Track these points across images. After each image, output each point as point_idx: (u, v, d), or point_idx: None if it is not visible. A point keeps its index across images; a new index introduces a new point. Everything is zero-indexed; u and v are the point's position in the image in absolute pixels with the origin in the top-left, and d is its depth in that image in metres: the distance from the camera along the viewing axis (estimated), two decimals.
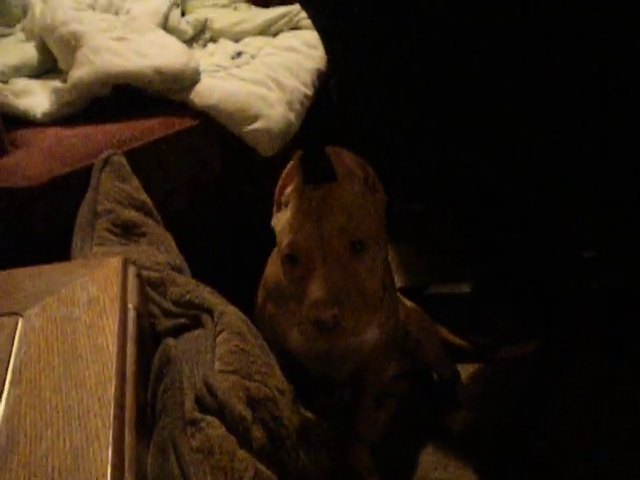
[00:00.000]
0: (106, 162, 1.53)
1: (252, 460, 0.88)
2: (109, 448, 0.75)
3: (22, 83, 2.04)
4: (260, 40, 2.41)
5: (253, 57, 2.25)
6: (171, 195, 1.84)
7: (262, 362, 1.06)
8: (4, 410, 0.81)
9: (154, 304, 1.18)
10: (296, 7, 2.46)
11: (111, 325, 0.93)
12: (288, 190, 1.35)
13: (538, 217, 1.57)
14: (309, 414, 1.40)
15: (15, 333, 0.92)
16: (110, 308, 0.96)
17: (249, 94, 1.97)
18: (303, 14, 2.45)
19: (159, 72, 1.88)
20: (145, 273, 1.21)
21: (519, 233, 1.74)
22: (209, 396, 0.91)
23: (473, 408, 1.85)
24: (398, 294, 1.76)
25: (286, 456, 1.00)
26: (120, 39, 1.97)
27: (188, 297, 1.17)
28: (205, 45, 2.50)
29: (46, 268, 1.06)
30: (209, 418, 0.89)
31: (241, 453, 0.87)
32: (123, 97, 1.90)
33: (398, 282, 2.20)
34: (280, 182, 1.37)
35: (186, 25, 2.45)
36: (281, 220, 1.33)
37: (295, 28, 2.50)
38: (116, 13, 2.35)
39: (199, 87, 1.96)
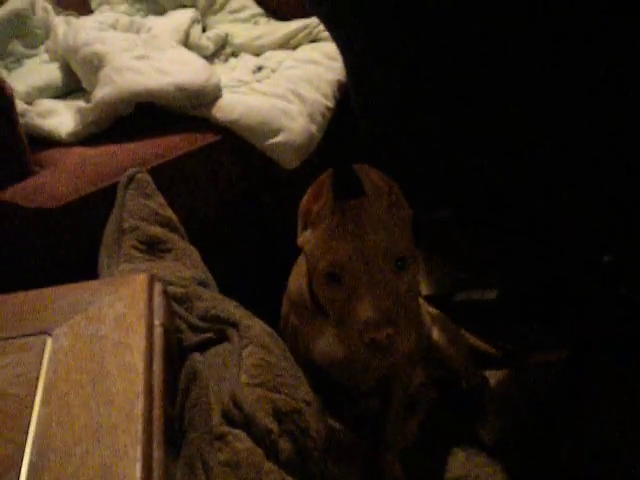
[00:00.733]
0: (130, 180, 1.54)
1: (279, 472, 0.88)
2: (137, 464, 0.76)
3: (46, 104, 2.06)
4: (280, 54, 2.42)
5: (274, 71, 2.26)
6: (196, 210, 1.85)
7: (288, 374, 1.07)
8: (35, 428, 0.82)
9: (181, 319, 1.19)
10: (315, 20, 2.46)
11: (138, 342, 0.94)
12: (315, 208, 1.35)
13: (548, 221, 1.57)
14: (337, 424, 1.41)
15: (44, 352, 0.94)
16: (137, 325, 0.97)
17: (270, 108, 1.98)
18: (322, 26, 2.45)
19: (181, 89, 1.89)
20: (171, 289, 1.22)
21: (531, 237, 1.74)
22: (235, 410, 0.92)
23: (501, 415, 1.84)
24: (423, 302, 1.77)
25: (314, 467, 1.00)
26: (141, 57, 1.98)
27: (214, 312, 1.18)
28: (226, 60, 2.51)
29: (73, 287, 1.08)
30: (236, 431, 0.90)
31: (268, 465, 0.88)
32: (146, 115, 1.91)
33: (424, 290, 2.21)
34: (305, 200, 1.36)
35: (207, 41, 2.47)
36: (312, 239, 1.33)
37: (315, 40, 2.50)
38: (137, 32, 2.37)
39: (221, 102, 1.97)
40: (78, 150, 1.83)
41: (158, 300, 1.06)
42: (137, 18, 2.54)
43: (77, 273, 1.22)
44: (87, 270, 1.42)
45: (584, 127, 1.31)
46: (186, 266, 1.41)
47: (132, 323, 0.97)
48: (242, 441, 0.88)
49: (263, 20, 2.69)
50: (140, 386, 0.86)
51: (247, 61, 2.41)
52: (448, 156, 1.57)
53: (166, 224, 1.50)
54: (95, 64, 1.96)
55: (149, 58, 2.00)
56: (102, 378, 0.88)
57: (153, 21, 2.48)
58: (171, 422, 0.95)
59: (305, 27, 2.50)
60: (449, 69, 1.39)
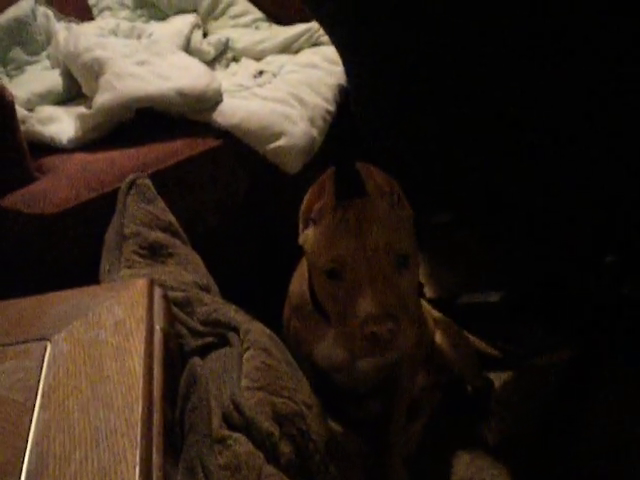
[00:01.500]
0: (132, 185, 1.54)
1: (279, 475, 0.88)
2: (136, 468, 0.76)
3: (47, 110, 2.06)
4: (281, 58, 2.42)
5: (275, 75, 2.26)
6: (197, 215, 1.85)
7: (289, 377, 1.07)
8: (34, 433, 0.82)
9: (182, 324, 1.19)
10: (316, 24, 2.46)
11: (137, 346, 0.94)
12: (317, 206, 1.35)
13: (549, 221, 1.57)
14: (338, 427, 1.41)
15: (44, 358, 0.94)
16: (136, 330, 0.97)
17: (271, 112, 1.98)
18: (323, 30, 2.45)
19: (181, 94, 1.89)
20: (172, 294, 1.23)
21: (533, 238, 1.73)
22: (236, 413, 0.92)
23: (506, 417, 1.84)
24: (426, 304, 1.77)
25: (315, 470, 1.00)
26: (142, 63, 1.99)
27: (215, 316, 1.18)
28: (227, 65, 2.51)
29: (73, 292, 1.08)
30: (236, 435, 0.90)
31: (268, 468, 0.88)
32: (147, 120, 1.91)
33: (428, 293, 2.21)
34: (307, 199, 1.36)
35: (208, 46, 2.47)
36: (313, 236, 1.33)
37: (316, 44, 2.50)
38: (138, 37, 2.37)
39: (222, 107, 1.97)
40: (79, 156, 1.83)
41: (158, 305, 1.06)
42: (138, 24, 2.55)
43: (78, 279, 1.21)
44: (89, 276, 1.42)
45: (585, 126, 1.31)
46: (187, 271, 1.41)
47: (132, 328, 0.97)
48: (242, 444, 0.88)
49: (264, 25, 2.69)
50: (139, 390, 0.86)
51: (248, 66, 2.41)
52: (448, 157, 1.56)
53: (167, 229, 1.50)
54: (96, 70, 1.97)
55: (150, 64, 2.00)
56: (101, 383, 0.88)
57: (154, 27, 2.49)
58: (171, 426, 0.95)
59: (306, 31, 2.51)
60: (449, 69, 1.39)
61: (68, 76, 2.20)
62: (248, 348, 1.06)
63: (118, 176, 1.67)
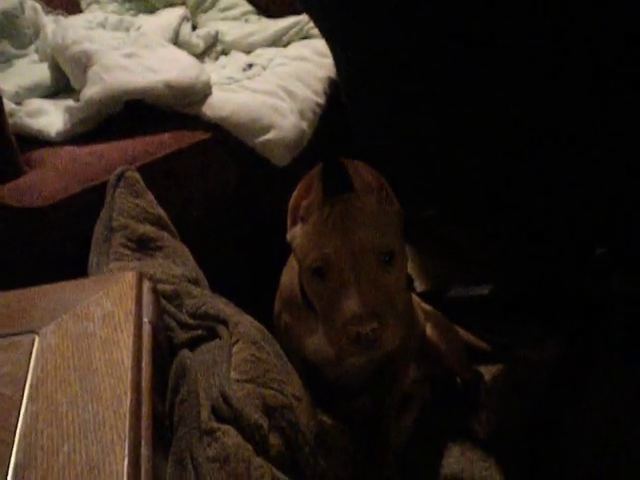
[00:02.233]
0: (120, 178, 1.54)
1: (269, 467, 0.88)
2: (125, 460, 0.76)
3: (36, 103, 2.05)
4: (271, 51, 2.41)
5: (264, 68, 2.26)
6: (187, 207, 1.85)
7: (278, 370, 1.06)
8: (22, 426, 0.82)
9: (170, 317, 1.19)
10: (306, 17, 2.46)
11: (126, 339, 0.93)
12: (305, 204, 1.35)
13: (540, 215, 1.57)
14: (328, 420, 1.41)
15: (32, 351, 0.93)
16: (125, 322, 0.96)
17: (261, 105, 1.97)
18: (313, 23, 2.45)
19: (170, 87, 1.89)
20: (160, 286, 1.22)
21: (524, 232, 1.73)
22: (225, 405, 0.92)
23: (496, 410, 1.84)
24: (416, 298, 1.77)
25: (304, 462, 1.00)
26: (130, 55, 1.98)
27: (204, 309, 1.18)
28: (217, 58, 2.51)
29: (61, 285, 1.07)
30: (225, 427, 0.90)
31: (257, 460, 0.88)
32: (135, 113, 1.91)
33: (419, 286, 2.21)
34: (295, 196, 1.36)
35: (197, 39, 2.46)
36: (301, 234, 1.33)
37: (306, 37, 2.50)
38: (127, 30, 2.36)
39: (211, 100, 1.97)
40: (68, 149, 1.82)
41: (147, 298, 1.05)
42: (127, 17, 2.53)
43: (67, 272, 1.21)
44: (77, 269, 1.41)
45: (578, 123, 1.31)
46: (176, 264, 1.41)
47: (120, 321, 0.97)
48: (231, 436, 0.88)
49: (254, 18, 2.69)
50: (128, 383, 0.86)
51: (238, 59, 2.40)
52: (440, 154, 1.57)
53: (156, 222, 1.50)
54: (84, 63, 1.96)
55: (138, 56, 1.99)
56: (89, 375, 0.88)
57: (143, 20, 2.48)
58: (161, 419, 0.95)
59: (296, 24, 2.50)
60: (442, 66, 1.39)
61: (56, 69, 2.19)
62: (237, 341, 1.06)
63: (106, 169, 1.66)
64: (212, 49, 2.52)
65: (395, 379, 1.64)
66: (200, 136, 1.88)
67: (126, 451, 0.77)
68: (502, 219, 1.71)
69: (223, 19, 2.65)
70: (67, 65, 2.07)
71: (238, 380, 0.98)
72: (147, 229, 1.46)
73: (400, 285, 1.29)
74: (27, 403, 0.85)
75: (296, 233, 1.35)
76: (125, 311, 0.99)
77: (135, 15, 2.69)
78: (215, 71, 2.25)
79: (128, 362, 0.89)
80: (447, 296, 2.27)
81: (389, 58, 1.48)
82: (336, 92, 2.15)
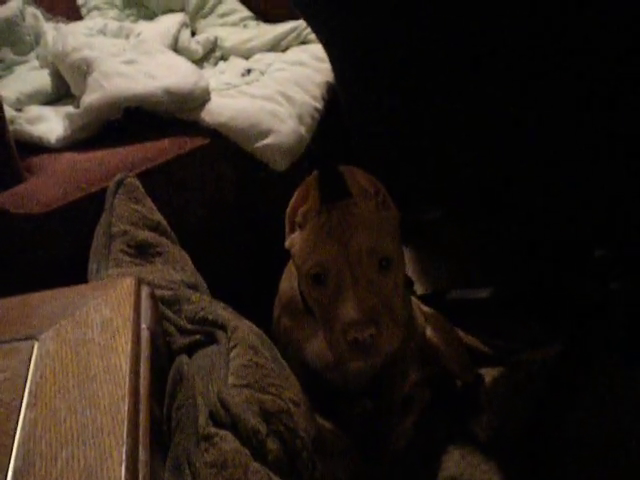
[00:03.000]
0: (119, 185, 1.54)
1: (266, 472, 0.88)
2: (122, 465, 0.76)
3: (36, 110, 2.06)
4: (269, 56, 2.42)
5: (262, 73, 2.26)
6: (186, 213, 1.85)
7: (276, 375, 1.07)
8: (20, 433, 0.82)
9: (169, 322, 1.19)
10: (304, 22, 2.47)
11: (124, 345, 0.94)
12: (302, 210, 1.35)
13: (540, 216, 1.57)
14: (328, 424, 1.41)
15: (31, 357, 0.94)
16: (123, 329, 0.97)
17: (259, 110, 1.98)
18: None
19: (169, 93, 1.89)
20: (159, 292, 1.23)
21: (524, 234, 1.74)
22: (223, 410, 0.92)
23: (496, 412, 1.84)
24: (416, 300, 1.77)
25: (303, 467, 1.00)
26: (130, 62, 1.99)
27: (202, 314, 1.18)
28: (216, 64, 2.52)
29: (60, 292, 1.08)
30: (222, 432, 0.90)
31: (255, 465, 0.88)
32: (135, 120, 1.91)
33: (419, 289, 2.21)
34: (292, 203, 1.37)
35: (196, 45, 2.47)
36: (299, 241, 1.34)
37: (304, 42, 2.50)
38: (127, 37, 2.37)
39: (210, 106, 1.97)
40: (67, 156, 1.83)
41: (145, 303, 1.06)
42: (126, 23, 2.55)
43: (67, 278, 1.21)
44: (77, 275, 1.42)
45: (577, 123, 1.31)
46: (175, 270, 1.41)
47: (118, 326, 0.97)
48: (228, 442, 0.88)
49: (252, 23, 2.69)
50: (125, 389, 0.86)
51: (236, 64, 2.41)
52: (439, 154, 1.57)
53: (155, 228, 1.50)
54: (83, 69, 1.97)
55: (137, 63, 2.00)
56: (88, 381, 0.88)
57: (142, 26, 2.49)
58: (159, 424, 0.96)
59: (294, 29, 2.51)
60: (441, 65, 1.39)
61: (57, 76, 2.20)
62: (235, 346, 1.06)
63: (106, 175, 1.67)
64: (211, 55, 2.53)
65: (395, 382, 1.64)
66: (199, 142, 1.89)
67: (124, 456, 0.77)
68: (501, 220, 1.71)
69: (222, 25, 2.66)
70: (67, 72, 2.08)
71: (236, 385, 0.98)
72: (146, 235, 1.46)
73: (398, 289, 1.29)
74: (26, 409, 0.86)
75: (294, 240, 1.35)
76: (123, 317, 0.99)
77: (135, 21, 2.70)
78: (214, 77, 2.26)
79: (126, 368, 0.90)
80: (447, 299, 2.27)
81: (386, 58, 1.48)
82: (334, 97, 2.15)
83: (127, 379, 0.88)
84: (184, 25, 2.50)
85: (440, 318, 1.85)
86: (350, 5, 1.44)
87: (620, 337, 1.94)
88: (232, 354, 1.05)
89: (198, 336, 1.15)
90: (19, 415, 0.85)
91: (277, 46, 2.49)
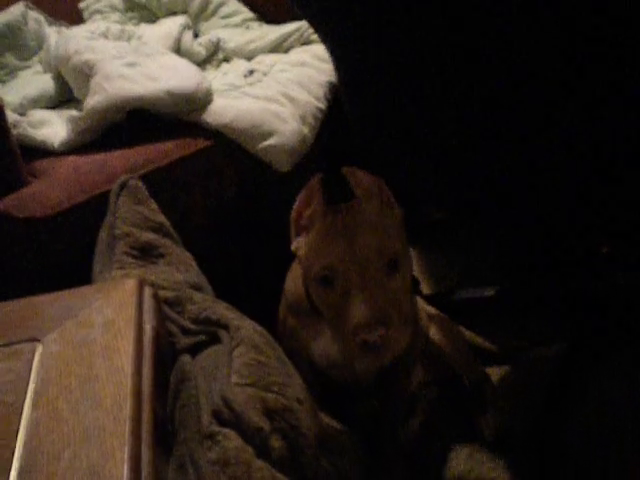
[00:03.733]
0: (123, 187, 1.54)
1: (269, 469, 0.89)
2: (125, 465, 0.76)
3: (39, 114, 2.07)
4: (272, 57, 2.42)
5: (265, 74, 2.26)
6: (190, 215, 1.85)
7: (279, 373, 1.07)
8: (24, 433, 0.83)
9: (173, 323, 1.19)
10: (307, 22, 2.47)
11: (126, 346, 0.94)
12: (307, 214, 1.35)
13: (546, 214, 1.57)
14: (333, 422, 1.41)
15: (34, 358, 0.94)
16: (126, 329, 0.97)
17: (262, 111, 1.98)
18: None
19: (171, 95, 1.90)
20: (162, 293, 1.23)
21: (530, 231, 1.73)
22: (226, 409, 0.93)
23: (503, 411, 1.84)
24: (420, 300, 1.77)
25: (307, 464, 1.00)
26: (131, 65, 2.00)
27: (205, 314, 1.19)
28: (219, 65, 2.52)
29: (64, 294, 1.08)
30: (226, 430, 0.90)
31: (258, 463, 0.88)
32: (138, 122, 1.92)
33: (425, 289, 2.21)
34: (297, 206, 1.36)
35: (199, 47, 2.48)
36: (305, 243, 1.34)
37: (306, 43, 2.50)
38: (129, 40, 2.38)
39: (212, 107, 1.98)
40: (71, 159, 1.84)
41: (148, 304, 1.06)
42: (128, 26, 2.55)
43: (71, 281, 1.22)
44: (81, 278, 1.42)
45: (582, 121, 1.31)
46: (179, 271, 1.42)
47: (121, 327, 0.98)
48: (231, 440, 0.89)
49: (255, 25, 2.70)
50: (128, 389, 0.87)
51: (239, 66, 2.42)
52: (442, 152, 1.57)
53: (159, 230, 1.50)
54: (86, 73, 1.98)
55: (139, 65, 2.01)
56: (91, 382, 0.89)
57: (144, 29, 2.50)
58: (162, 423, 0.96)
59: (296, 30, 2.51)
60: (444, 64, 1.39)
61: (60, 80, 2.21)
62: (238, 345, 1.06)
63: (110, 178, 1.68)
64: (214, 57, 2.54)
65: (401, 381, 1.64)
66: (202, 143, 1.89)
67: (126, 456, 0.77)
68: (506, 220, 1.71)
69: (224, 26, 2.67)
70: (70, 76, 2.09)
71: (239, 384, 0.98)
72: (150, 237, 1.46)
73: (405, 289, 1.29)
74: (29, 409, 0.86)
75: (300, 243, 1.35)
76: (126, 318, 0.99)
77: (137, 24, 2.71)
78: (216, 78, 2.27)
79: (128, 369, 0.90)
80: (453, 298, 2.27)
81: (388, 57, 1.49)
82: (337, 97, 2.16)
83: (129, 379, 0.88)
84: (186, 27, 2.51)
85: (443, 317, 1.85)
86: (351, 6, 1.44)
87: (625, 336, 1.94)
88: (235, 353, 1.05)
89: (201, 336, 1.15)
90: (22, 415, 0.85)
91: (280, 47, 2.50)
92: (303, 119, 2.06)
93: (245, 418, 0.92)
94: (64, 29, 2.49)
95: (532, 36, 1.24)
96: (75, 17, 2.77)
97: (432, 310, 1.84)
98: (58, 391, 0.88)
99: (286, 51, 2.49)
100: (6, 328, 1.02)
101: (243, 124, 1.93)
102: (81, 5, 2.82)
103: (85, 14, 2.79)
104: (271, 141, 1.94)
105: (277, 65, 2.32)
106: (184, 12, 2.70)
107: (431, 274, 2.40)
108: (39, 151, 1.91)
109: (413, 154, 1.64)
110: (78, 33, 2.30)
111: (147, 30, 2.46)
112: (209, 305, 1.21)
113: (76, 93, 2.10)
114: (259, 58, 2.45)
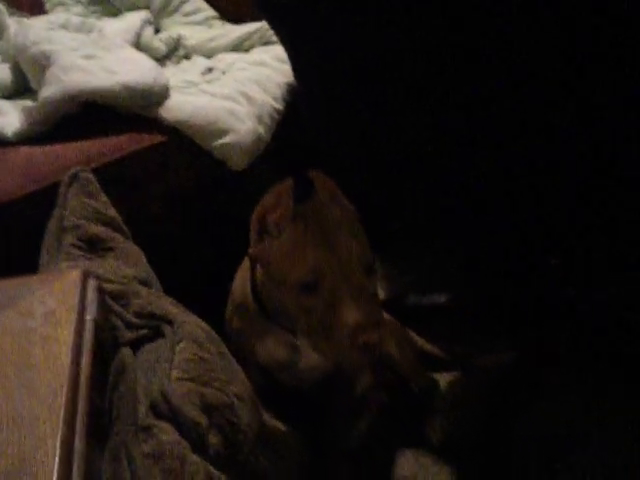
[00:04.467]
0: (73, 179, 1.53)
1: (204, 464, 0.88)
2: (56, 453, 0.75)
3: None
4: (232, 56, 2.43)
5: (224, 72, 2.27)
6: (142, 210, 1.85)
7: (221, 369, 1.07)
8: None
9: (117, 316, 1.19)
10: None
11: (66, 336, 0.93)
12: (273, 218, 1.32)
13: (496, 227, 1.58)
14: (277, 423, 1.41)
15: None
16: (66, 320, 0.96)
17: (218, 109, 1.98)
18: None
19: (127, 88, 1.89)
20: (108, 286, 1.22)
21: (480, 243, 1.74)
22: (163, 402, 0.92)
23: (450, 416, 1.85)
24: None
25: (244, 461, 1.00)
26: (89, 57, 1.99)
27: (150, 309, 1.18)
28: (179, 62, 2.52)
29: (5, 282, 1.07)
30: (162, 424, 0.90)
31: (193, 457, 0.88)
32: (94, 114, 1.91)
33: (380, 295, 2.21)
34: (259, 210, 1.33)
35: (159, 43, 2.47)
36: (273, 250, 1.31)
37: (267, 43, 2.51)
38: (89, 32, 2.36)
39: (169, 103, 1.98)
40: (24, 149, 1.83)
41: (91, 296, 1.05)
42: (89, 19, 2.53)
43: (18, 270, 1.21)
44: (28, 268, 1.41)
45: (582, 122, 1.32)
46: (127, 265, 1.41)
47: (62, 318, 0.97)
48: (167, 433, 0.88)
49: (217, 23, 2.70)
50: (65, 378, 0.86)
51: (199, 63, 2.41)
52: (409, 159, 1.57)
53: (108, 223, 1.49)
54: (42, 63, 1.96)
55: (97, 57, 2.00)
56: (27, 370, 0.88)
57: (105, 22, 2.48)
58: (99, 415, 0.95)
59: (258, 30, 2.52)
60: (407, 68, 1.39)
61: (17, 70, 2.19)
62: (181, 340, 1.06)
63: (62, 169, 1.66)
64: (174, 53, 2.53)
65: (346, 384, 1.64)
66: (157, 139, 1.89)
67: (58, 444, 0.77)
68: (460, 230, 1.72)
69: (186, 23, 2.66)
70: (27, 65, 2.07)
71: (179, 379, 0.98)
72: (99, 230, 1.45)
73: (376, 292, 1.30)
74: None
75: (266, 249, 1.33)
76: (67, 308, 0.99)
77: (99, 18, 2.69)
78: (175, 75, 2.26)
79: (66, 358, 0.89)
80: (405, 304, 2.27)
81: (350, 63, 1.49)
82: (295, 98, 2.16)
83: (67, 369, 0.88)
84: (147, 22, 2.50)
85: (393, 322, 1.86)
86: (320, 11, 1.44)
87: (575, 344, 1.96)
88: (177, 348, 1.04)
89: (145, 330, 1.15)
90: None
91: (240, 46, 2.50)
92: (259, 119, 2.07)
93: (182, 412, 0.92)
94: (24, 19, 2.47)
95: (532, 36, 1.25)
96: (37, 8, 2.75)
97: (384, 315, 1.84)
98: None
99: (247, 50, 2.50)
100: None
101: (199, 121, 1.93)
102: None
103: (48, 5, 2.77)
104: (226, 139, 1.94)
105: (237, 64, 2.32)
106: (146, 8, 2.69)
107: (383, 279, 2.40)
108: None
109: (373, 161, 1.64)
110: (38, 24, 2.28)
111: (108, 23, 2.46)
112: (154, 300, 1.21)
113: (32, 83, 2.09)
114: (219, 56, 2.45)
